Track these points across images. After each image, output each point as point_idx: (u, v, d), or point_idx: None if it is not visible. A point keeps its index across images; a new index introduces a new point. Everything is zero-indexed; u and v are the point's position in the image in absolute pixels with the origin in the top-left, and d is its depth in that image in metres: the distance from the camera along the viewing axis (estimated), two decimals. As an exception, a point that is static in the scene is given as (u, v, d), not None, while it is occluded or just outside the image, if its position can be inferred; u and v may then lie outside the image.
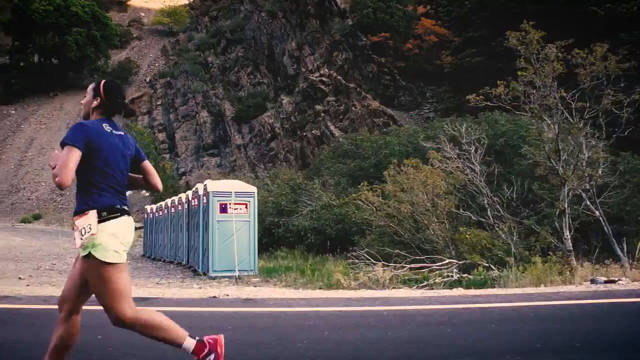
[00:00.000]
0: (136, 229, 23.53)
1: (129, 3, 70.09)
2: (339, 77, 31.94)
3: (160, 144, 42.93)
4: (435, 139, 14.31)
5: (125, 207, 3.35)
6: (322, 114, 30.79)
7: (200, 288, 9.39)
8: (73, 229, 3.22)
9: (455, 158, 12.30)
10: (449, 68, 31.95)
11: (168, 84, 47.88)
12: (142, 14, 69.10)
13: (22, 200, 40.31)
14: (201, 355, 3.18)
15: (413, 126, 19.20)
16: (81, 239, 3.12)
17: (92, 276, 3.13)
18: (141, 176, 3.70)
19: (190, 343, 3.21)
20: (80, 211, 3.21)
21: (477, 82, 31.13)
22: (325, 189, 16.18)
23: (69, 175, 3.15)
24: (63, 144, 3.26)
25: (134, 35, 61.95)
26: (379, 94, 33.62)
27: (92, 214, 3.15)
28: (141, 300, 5.89)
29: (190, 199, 14.65)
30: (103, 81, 3.60)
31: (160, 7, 69.45)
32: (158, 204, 21.05)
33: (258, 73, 43.39)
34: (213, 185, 12.26)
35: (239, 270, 11.55)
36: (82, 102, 3.58)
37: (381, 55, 36.44)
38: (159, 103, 47.18)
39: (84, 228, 3.13)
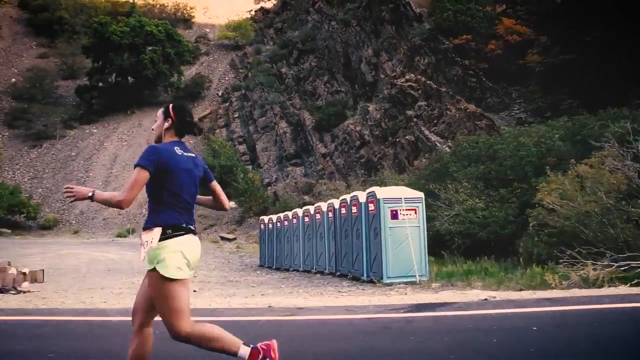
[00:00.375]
0: (229, 240, 23.86)
1: (193, 20, 71.62)
2: (428, 82, 31.91)
3: (241, 155, 43.64)
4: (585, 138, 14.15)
5: (192, 227, 3.51)
6: (415, 119, 30.78)
7: (412, 294, 9.53)
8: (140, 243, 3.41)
9: (620, 156, 12.18)
10: (540, 67, 31.55)
11: (244, 97, 48.69)
12: (207, 30, 70.53)
13: (113, 215, 41.57)
14: None
15: (544, 127, 19.02)
16: (142, 255, 3.33)
17: (155, 290, 3.31)
18: (210, 197, 3.91)
19: (245, 351, 3.35)
20: (147, 227, 3.41)
21: (569, 81, 30.76)
22: (459, 193, 16.19)
23: (131, 196, 3.39)
24: (135, 165, 3.45)
25: (202, 51, 63.24)
26: (466, 96, 33.43)
27: (157, 231, 3.35)
28: (447, 306, 6.01)
29: (337, 207, 14.87)
30: (172, 104, 3.76)
31: (224, 22, 70.86)
32: (278, 215, 21.36)
33: (335, 82, 43.73)
34: (382, 192, 12.42)
35: (416, 276, 11.68)
36: (153, 127, 3.75)
37: (463, 57, 36.26)
38: (235, 116, 48.01)
39: (147, 241, 3.33)
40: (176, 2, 72.12)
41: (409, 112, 31.49)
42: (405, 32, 41.25)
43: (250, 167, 42.36)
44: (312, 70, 46.79)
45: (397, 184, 20.13)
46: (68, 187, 3.53)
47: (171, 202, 3.48)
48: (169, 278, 3.28)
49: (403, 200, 12.14)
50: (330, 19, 49.60)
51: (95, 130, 51.99)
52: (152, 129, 3.76)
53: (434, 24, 39.06)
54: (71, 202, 3.58)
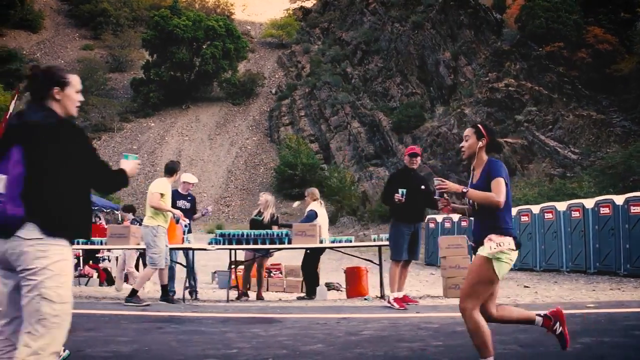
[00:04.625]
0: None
1: (232, 17, 71.34)
2: (537, 88, 32.37)
3: (314, 154, 43.59)
4: None
5: None
6: (525, 124, 31.21)
7: None
8: (485, 241, 3.76)
9: None
10: (648, 76, 32.16)
11: (309, 95, 48.68)
12: (249, 27, 70.35)
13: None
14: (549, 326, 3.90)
15: None
16: (492, 248, 3.69)
17: (477, 273, 3.74)
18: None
19: (539, 319, 3.91)
20: (499, 232, 3.76)
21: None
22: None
23: (503, 200, 3.77)
24: (497, 176, 3.80)
25: (248, 48, 63.05)
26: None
27: (510, 240, 3.76)
28: None
29: (591, 206, 15.14)
30: (480, 124, 4.09)
31: (263, 20, 70.87)
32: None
33: (409, 83, 43.99)
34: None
35: None
36: (463, 145, 4.01)
37: (554, 65, 36.77)
38: (302, 114, 47.99)
39: (502, 243, 3.71)
40: (216, -1, 71.94)
41: (518, 117, 31.91)
42: (486, 37, 41.72)
43: (326, 166, 42.40)
44: (381, 72, 47.02)
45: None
46: (441, 180, 3.86)
47: (510, 216, 3.89)
48: (497, 276, 3.72)
49: None
50: (394, 21, 49.92)
51: (152, 124, 51.60)
52: (462, 147, 4.02)
53: (519, 30, 39.58)
54: (440, 196, 4.02)
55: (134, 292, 8.01)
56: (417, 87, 43.53)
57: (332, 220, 37.06)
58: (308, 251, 9.56)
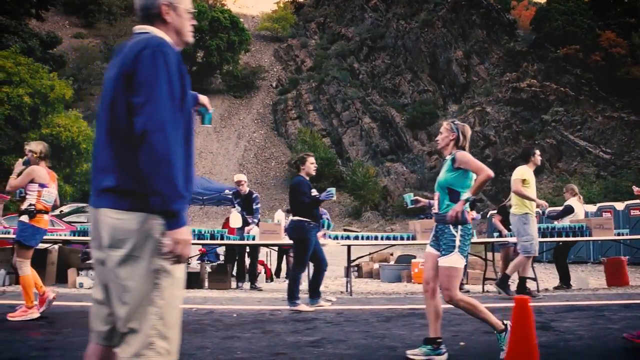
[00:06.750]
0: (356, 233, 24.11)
1: (225, 9, 70.64)
2: (563, 89, 33.43)
3: (327, 149, 43.84)
4: None
5: None
6: (553, 124, 32.23)
7: None
8: None
9: None
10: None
11: (317, 90, 48.81)
12: (241, 20, 69.80)
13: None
14: None
15: None
16: None
17: None
18: None
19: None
20: None
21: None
22: None
23: None
24: None
25: (250, 41, 62.63)
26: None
27: None
28: None
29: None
30: None
31: (257, 12, 70.48)
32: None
33: (420, 81, 44.67)
34: None
35: None
36: None
37: (572, 67, 37.98)
38: (310, 108, 48.11)
39: None
40: (208, -11, 70.99)
41: (545, 117, 32.93)
42: (498, 37, 42.72)
43: (340, 161, 42.74)
44: (389, 68, 47.56)
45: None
46: None
47: None
48: None
49: None
50: (399, 18, 50.51)
51: (155, 116, 50.87)
52: None
53: (534, 32, 40.69)
54: None
55: (506, 278, 8.00)
56: (429, 84, 44.26)
57: (357, 215, 37.59)
58: (560, 243, 9.75)
